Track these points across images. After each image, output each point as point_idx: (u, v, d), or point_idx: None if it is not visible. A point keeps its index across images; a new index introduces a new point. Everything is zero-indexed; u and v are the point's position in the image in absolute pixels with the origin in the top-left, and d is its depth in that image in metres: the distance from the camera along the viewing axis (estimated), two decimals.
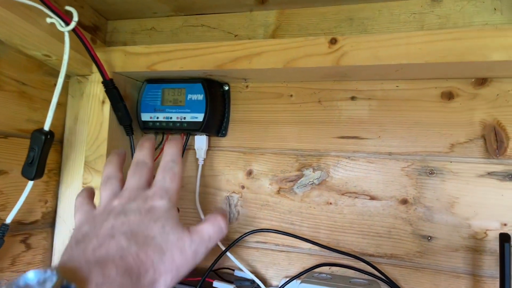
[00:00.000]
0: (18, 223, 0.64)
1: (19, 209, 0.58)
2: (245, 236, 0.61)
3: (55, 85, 0.58)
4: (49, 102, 0.58)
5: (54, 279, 0.28)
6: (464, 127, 0.56)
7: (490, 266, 0.53)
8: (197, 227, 0.40)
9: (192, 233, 0.39)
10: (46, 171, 0.68)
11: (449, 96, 0.57)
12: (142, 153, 0.46)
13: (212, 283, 0.56)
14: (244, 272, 0.60)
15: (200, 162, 0.67)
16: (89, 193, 0.49)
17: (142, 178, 0.43)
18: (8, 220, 0.57)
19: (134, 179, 0.43)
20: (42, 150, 0.57)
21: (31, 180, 0.58)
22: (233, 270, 0.63)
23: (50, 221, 0.70)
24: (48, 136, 0.57)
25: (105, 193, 0.44)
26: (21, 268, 0.65)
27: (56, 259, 0.70)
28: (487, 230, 0.54)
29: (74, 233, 0.39)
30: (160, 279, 0.35)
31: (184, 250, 0.37)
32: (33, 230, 0.67)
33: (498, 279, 0.49)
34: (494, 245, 0.53)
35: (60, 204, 0.71)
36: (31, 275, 0.29)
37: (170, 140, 0.47)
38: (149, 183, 0.43)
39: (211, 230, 0.40)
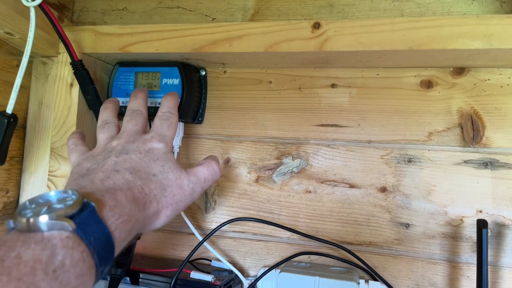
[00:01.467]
0: None
1: None
2: (223, 225, 0.59)
3: (17, 66, 0.54)
4: (11, 84, 0.54)
5: (75, 197, 0.29)
6: (442, 115, 0.56)
7: (466, 252, 0.54)
8: (194, 169, 0.43)
9: (190, 174, 0.42)
10: (7, 159, 0.63)
11: (428, 84, 0.57)
12: (137, 101, 0.48)
13: (189, 273, 0.54)
14: (221, 262, 0.59)
15: (176, 150, 0.64)
16: (81, 135, 0.49)
17: (138, 124, 0.45)
18: None
19: (130, 124, 0.45)
20: (4, 135, 0.53)
21: None
22: (210, 260, 0.62)
23: (11, 212, 0.65)
24: (11, 120, 0.53)
25: (103, 135, 0.45)
26: None
27: None
28: (463, 217, 0.55)
29: (75, 169, 0.40)
30: (162, 210, 0.38)
31: (183, 187, 0.40)
32: None
33: (474, 265, 0.50)
34: (470, 231, 0.54)
35: (23, 193, 0.66)
36: (52, 193, 0.30)
37: (167, 93, 0.50)
38: (145, 130, 0.46)
39: (206, 172, 0.43)
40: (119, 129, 0.46)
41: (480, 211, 0.54)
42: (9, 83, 0.62)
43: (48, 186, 0.60)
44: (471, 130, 0.55)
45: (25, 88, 0.66)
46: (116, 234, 0.31)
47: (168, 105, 0.48)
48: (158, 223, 0.39)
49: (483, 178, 0.54)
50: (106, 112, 0.48)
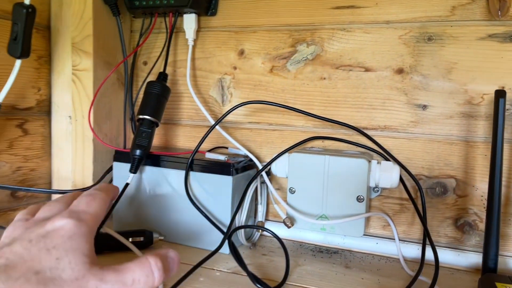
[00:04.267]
0: (12, 108, 0.64)
1: (12, 93, 0.58)
2: (235, 108, 0.58)
3: None
4: None
5: None
6: None
7: (485, 131, 0.52)
8: (119, 265, 0.29)
9: (106, 272, 0.28)
10: (35, 58, 0.67)
11: None
12: (87, 193, 0.34)
13: (204, 154, 0.56)
14: (238, 149, 0.60)
15: (190, 43, 0.64)
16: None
17: (52, 211, 0.32)
18: (0, 99, 0.57)
19: (41, 211, 0.33)
20: (25, 25, 0.55)
21: (18, 58, 0.56)
22: (227, 148, 0.64)
23: (46, 110, 0.70)
24: (30, 10, 0.55)
25: (19, 214, 0.33)
26: (20, 152, 0.66)
27: (55, 146, 0.71)
28: (484, 94, 0.52)
29: None
30: None
31: None
32: (29, 116, 0.67)
33: (491, 143, 0.48)
34: (490, 109, 0.52)
35: (54, 92, 0.70)
36: None
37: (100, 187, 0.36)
38: None
39: (137, 273, 0.28)
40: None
41: (503, 87, 0.51)
42: None
43: (73, 81, 0.63)
44: (497, 1, 0.50)
45: None
46: None
47: (99, 186, 0.36)
48: None
49: (508, 53, 0.51)
50: (64, 196, 0.35)
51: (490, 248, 0.46)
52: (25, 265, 0.26)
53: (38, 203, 0.70)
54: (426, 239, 0.51)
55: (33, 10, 0.56)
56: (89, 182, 0.63)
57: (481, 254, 0.47)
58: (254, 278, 0.45)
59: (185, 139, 0.69)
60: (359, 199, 0.52)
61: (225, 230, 0.53)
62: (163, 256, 0.30)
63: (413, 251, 0.55)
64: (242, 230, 0.55)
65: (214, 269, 0.49)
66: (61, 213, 0.30)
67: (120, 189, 0.54)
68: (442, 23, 0.53)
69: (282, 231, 0.59)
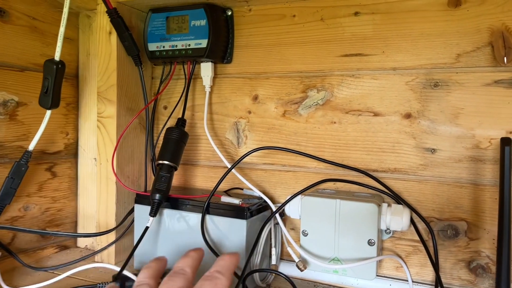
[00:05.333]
0: (42, 153, 0.69)
1: (42, 139, 0.63)
2: (250, 153, 0.62)
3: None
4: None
5: None
6: (471, 35, 0.54)
7: (494, 175, 0.53)
8: None
9: None
10: (64, 105, 0.72)
11: (456, 3, 0.54)
12: (184, 260, 0.42)
13: (220, 198, 0.59)
14: (252, 190, 0.63)
15: (207, 90, 0.68)
16: (155, 271, 0.43)
17: (174, 286, 0.38)
18: (31, 147, 0.61)
19: (166, 285, 0.38)
20: (55, 79, 0.60)
21: (48, 109, 0.61)
22: (242, 189, 0.66)
23: (73, 152, 0.75)
24: (59, 66, 0.60)
25: None
26: (49, 193, 0.70)
27: (81, 187, 0.75)
28: (491, 139, 0.53)
29: None
30: None
31: None
32: (57, 160, 0.72)
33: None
34: (498, 153, 0.53)
35: (80, 136, 0.75)
36: None
37: (227, 254, 0.42)
38: None
39: None
40: None
41: (511, 132, 0.52)
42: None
43: (98, 127, 0.68)
44: (502, 48, 0.52)
45: (74, 40, 0.74)
46: None
47: (220, 265, 0.40)
48: None
49: None
50: (144, 273, 0.42)
51: None
52: None
53: (65, 240, 0.73)
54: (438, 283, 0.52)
55: (63, 66, 0.61)
56: (112, 222, 0.66)
57: None
58: None
59: (202, 180, 0.72)
60: (370, 243, 0.53)
61: (239, 273, 0.55)
62: (210, 277, 0.37)
63: None
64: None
65: None
66: None
67: (141, 232, 0.57)
68: (448, 69, 0.55)
69: (296, 272, 0.61)
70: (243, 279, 0.53)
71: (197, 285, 0.38)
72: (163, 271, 0.44)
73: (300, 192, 0.59)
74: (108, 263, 0.66)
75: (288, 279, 0.54)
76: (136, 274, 0.53)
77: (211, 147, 0.66)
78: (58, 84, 0.61)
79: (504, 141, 0.47)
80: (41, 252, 0.69)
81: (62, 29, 0.59)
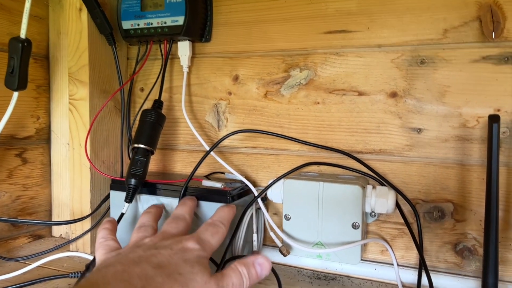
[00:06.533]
0: (11, 137, 0.65)
1: (11, 123, 0.59)
2: (229, 136, 0.60)
3: None
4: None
5: None
6: (458, 9, 0.51)
7: (481, 155, 0.51)
8: (221, 273, 0.38)
9: (218, 278, 0.37)
10: (34, 87, 0.68)
11: None
12: (182, 208, 0.48)
13: (201, 182, 0.56)
14: (233, 174, 0.60)
15: (185, 70, 0.65)
16: (112, 226, 0.48)
17: (179, 228, 0.44)
18: None
19: (170, 226, 0.44)
20: (21, 59, 0.56)
21: (15, 90, 0.57)
22: (224, 173, 0.64)
23: (45, 137, 0.71)
24: (25, 44, 0.56)
25: (136, 235, 0.44)
26: (20, 181, 0.67)
27: (54, 174, 0.72)
28: (479, 117, 0.51)
29: (98, 265, 0.39)
30: None
31: None
32: (28, 145, 0.68)
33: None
34: (485, 132, 0.51)
35: (53, 120, 0.71)
36: None
37: (225, 205, 0.49)
38: (184, 235, 0.43)
39: (234, 278, 0.38)
40: (156, 232, 0.45)
41: (499, 110, 0.50)
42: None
43: (70, 110, 0.64)
44: (490, 22, 0.50)
45: (43, 19, 0.69)
46: None
47: (221, 215, 0.47)
48: None
49: (503, 75, 0.50)
50: (146, 217, 0.48)
51: (489, 274, 0.45)
52: (171, 267, 0.36)
53: (38, 230, 0.70)
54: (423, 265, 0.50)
55: (29, 44, 0.57)
56: (86, 210, 0.63)
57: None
58: None
59: (182, 164, 0.69)
60: (354, 226, 0.51)
61: (220, 257, 0.52)
62: (248, 264, 0.39)
63: (412, 276, 0.54)
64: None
65: None
66: (192, 237, 0.41)
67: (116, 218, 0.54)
68: (434, 46, 0.53)
69: (279, 257, 0.59)
70: (222, 267, 0.51)
71: (201, 228, 0.44)
72: (160, 217, 0.51)
73: (283, 176, 0.57)
74: (84, 252, 0.63)
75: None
76: None
77: (190, 130, 0.63)
78: (25, 64, 0.57)
79: (492, 118, 0.45)
80: (13, 242, 0.66)
81: (27, 5, 0.54)
